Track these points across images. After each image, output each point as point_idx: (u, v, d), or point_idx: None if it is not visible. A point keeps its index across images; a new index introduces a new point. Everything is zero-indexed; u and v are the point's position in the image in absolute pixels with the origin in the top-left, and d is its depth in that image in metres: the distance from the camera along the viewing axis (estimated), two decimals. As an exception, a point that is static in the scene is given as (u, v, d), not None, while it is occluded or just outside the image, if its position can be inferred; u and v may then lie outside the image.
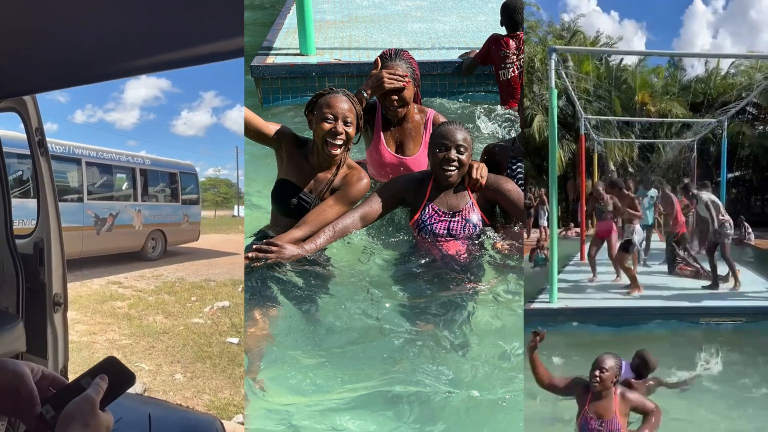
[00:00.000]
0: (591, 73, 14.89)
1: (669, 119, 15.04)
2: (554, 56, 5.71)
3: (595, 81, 14.09)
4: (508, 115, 4.47)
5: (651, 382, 3.90)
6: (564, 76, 7.64)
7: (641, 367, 3.87)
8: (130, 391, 1.17)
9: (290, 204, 2.83)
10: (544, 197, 11.82)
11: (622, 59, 16.82)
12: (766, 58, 12.68)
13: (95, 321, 6.91)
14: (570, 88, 8.59)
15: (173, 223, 13.36)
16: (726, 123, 9.80)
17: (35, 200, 3.02)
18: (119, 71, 1.84)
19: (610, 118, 13.81)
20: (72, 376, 3.11)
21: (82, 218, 10.64)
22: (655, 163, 15.35)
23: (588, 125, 10.57)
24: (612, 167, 14.72)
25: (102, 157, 11.54)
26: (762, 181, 16.70)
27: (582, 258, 9.01)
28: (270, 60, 5.46)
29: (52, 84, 2.23)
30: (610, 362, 3.02)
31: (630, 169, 15.05)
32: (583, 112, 10.01)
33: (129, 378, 1.14)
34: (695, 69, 17.85)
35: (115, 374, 1.13)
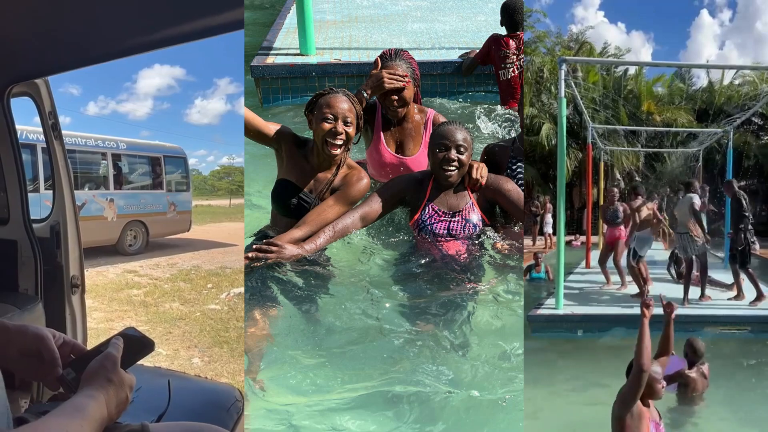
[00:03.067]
0: (598, 83, 14.94)
1: (675, 129, 15.06)
2: (564, 67, 5.76)
3: (601, 91, 14.13)
4: (508, 115, 4.46)
5: (702, 369, 3.93)
6: (573, 85, 7.69)
7: (690, 355, 3.92)
8: (149, 364, 1.19)
9: (290, 204, 2.82)
10: (549, 205, 11.79)
11: (627, 69, 16.89)
12: None
13: (112, 308, 6.93)
14: (578, 97, 8.62)
15: (156, 213, 12.05)
16: (732, 133, 9.79)
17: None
18: (126, 49, 1.87)
19: (618, 127, 13.84)
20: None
21: (38, 210, 9.90)
22: (660, 172, 15.41)
23: (595, 134, 10.60)
24: (618, 176, 14.76)
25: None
26: (766, 190, 16.76)
27: (587, 265, 9.01)
28: (270, 60, 5.46)
29: (64, 65, 2.27)
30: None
31: (637, 178, 15.10)
32: (590, 121, 10.04)
33: (148, 344, 1.16)
34: (701, 79, 17.94)
35: (134, 340, 1.14)
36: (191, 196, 13.83)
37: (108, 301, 7.27)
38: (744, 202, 6.31)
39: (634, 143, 15.60)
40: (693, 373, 3.94)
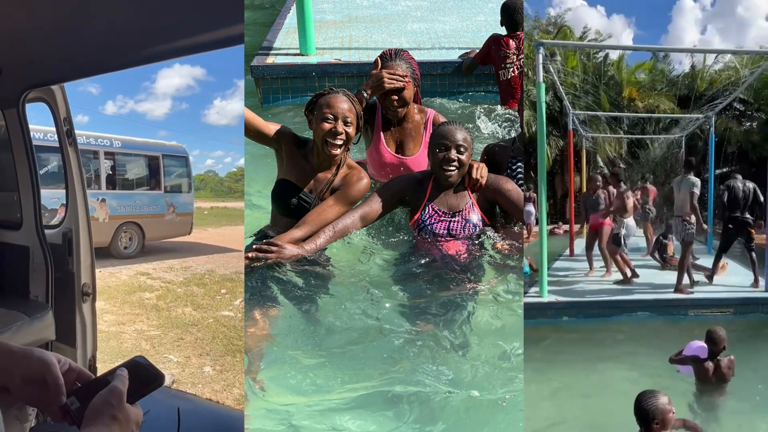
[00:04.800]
0: (577, 69, 14.83)
1: (657, 115, 15.02)
2: (542, 50, 5.73)
3: (582, 76, 14.03)
4: (508, 115, 4.47)
5: (720, 362, 3.90)
6: (552, 70, 7.63)
7: (709, 345, 3.87)
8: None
9: (290, 204, 2.83)
10: (531, 194, 11.73)
11: (607, 54, 16.78)
12: (753, 54, 12.59)
13: (123, 311, 6.82)
14: (558, 83, 8.58)
15: (153, 215, 11.47)
16: (713, 119, 9.86)
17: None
18: (132, 60, 1.92)
19: (599, 113, 13.76)
20: (100, 365, 3.10)
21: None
22: (643, 159, 15.39)
23: (576, 121, 10.57)
24: (601, 163, 14.71)
25: (51, 140, 9.54)
26: (749, 177, 16.81)
27: (571, 253, 9.09)
28: (270, 60, 5.46)
29: (78, 73, 2.30)
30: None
31: (621, 165, 15.07)
32: (571, 108, 10.01)
33: (157, 377, 1.11)
34: (683, 65, 17.85)
35: (143, 373, 1.10)
36: (193, 197, 13.12)
37: (120, 304, 7.13)
38: (728, 193, 6.41)
39: (617, 130, 15.51)
40: (708, 363, 3.89)
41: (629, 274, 6.68)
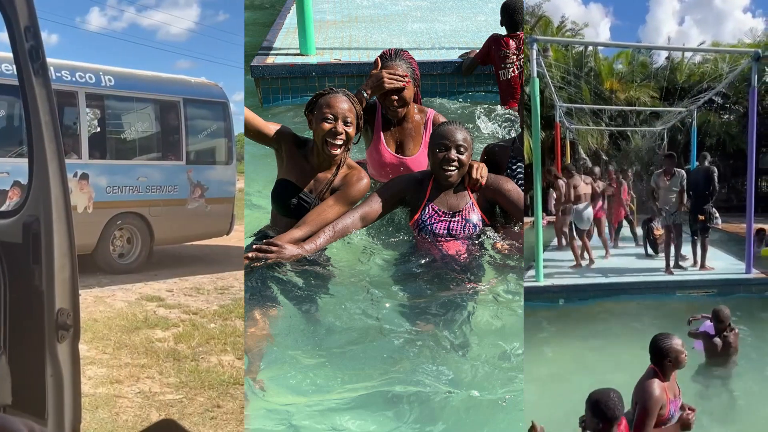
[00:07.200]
0: (559, 61, 14.89)
1: (641, 108, 15.14)
2: (535, 46, 5.83)
3: (563, 68, 14.10)
4: (508, 115, 4.47)
5: (728, 337, 4.19)
6: (542, 64, 7.78)
7: (716, 323, 4.19)
8: None
9: (290, 204, 2.83)
10: None
11: (586, 46, 16.86)
12: (735, 53, 12.64)
13: (120, 362, 4.40)
14: (548, 76, 8.67)
15: (167, 201, 7.28)
16: (695, 112, 10.00)
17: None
18: None
19: (585, 106, 13.86)
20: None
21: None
22: (626, 151, 15.53)
23: (561, 113, 10.74)
24: (583, 155, 14.77)
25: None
26: (728, 169, 17.06)
27: (559, 243, 9.28)
28: (270, 60, 5.47)
29: None
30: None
31: (605, 157, 15.16)
32: (558, 100, 10.13)
33: None
34: (661, 57, 18.00)
35: None
36: (235, 171, 8.21)
37: (114, 349, 4.63)
38: (714, 176, 6.81)
39: (599, 122, 15.59)
40: (717, 339, 4.19)
41: (576, 261, 7.02)
